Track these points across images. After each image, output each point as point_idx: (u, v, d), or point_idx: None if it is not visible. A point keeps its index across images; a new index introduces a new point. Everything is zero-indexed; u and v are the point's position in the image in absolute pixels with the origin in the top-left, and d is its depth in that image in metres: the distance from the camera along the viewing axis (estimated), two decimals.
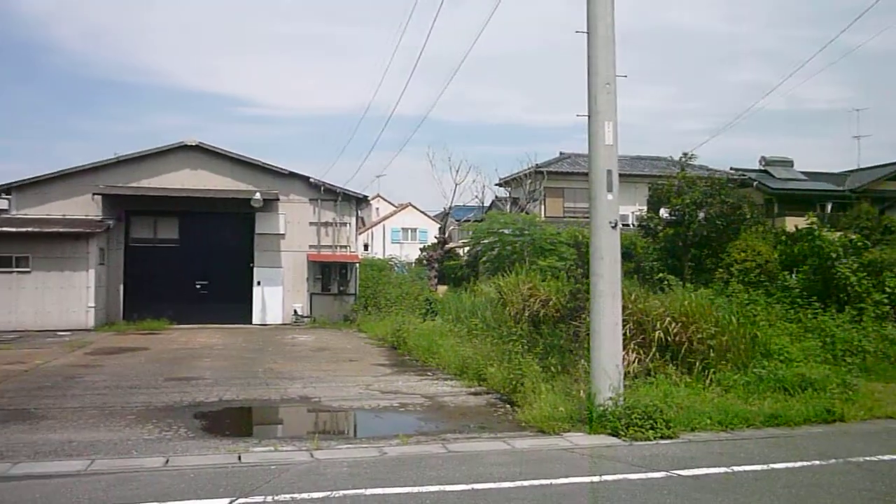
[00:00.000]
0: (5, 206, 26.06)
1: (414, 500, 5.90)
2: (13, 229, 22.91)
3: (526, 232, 24.51)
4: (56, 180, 25.00)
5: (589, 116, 8.98)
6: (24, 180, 24.97)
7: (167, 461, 7.21)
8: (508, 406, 10.27)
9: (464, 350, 13.71)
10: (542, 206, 35.70)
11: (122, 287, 25.24)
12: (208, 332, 22.55)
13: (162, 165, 25.89)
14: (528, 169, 33.77)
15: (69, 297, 22.99)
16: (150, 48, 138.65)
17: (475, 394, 11.48)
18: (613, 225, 8.82)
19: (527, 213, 30.47)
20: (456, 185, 29.71)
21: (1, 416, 9.56)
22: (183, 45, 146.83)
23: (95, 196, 24.79)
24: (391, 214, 65.43)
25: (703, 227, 20.74)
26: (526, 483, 6.43)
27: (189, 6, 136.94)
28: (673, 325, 10.83)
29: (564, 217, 35.14)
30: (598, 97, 8.88)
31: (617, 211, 8.92)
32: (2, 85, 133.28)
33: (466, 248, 33.70)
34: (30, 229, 23.01)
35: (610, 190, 8.82)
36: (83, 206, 24.84)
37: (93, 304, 23.17)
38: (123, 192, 25.08)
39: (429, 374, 13.67)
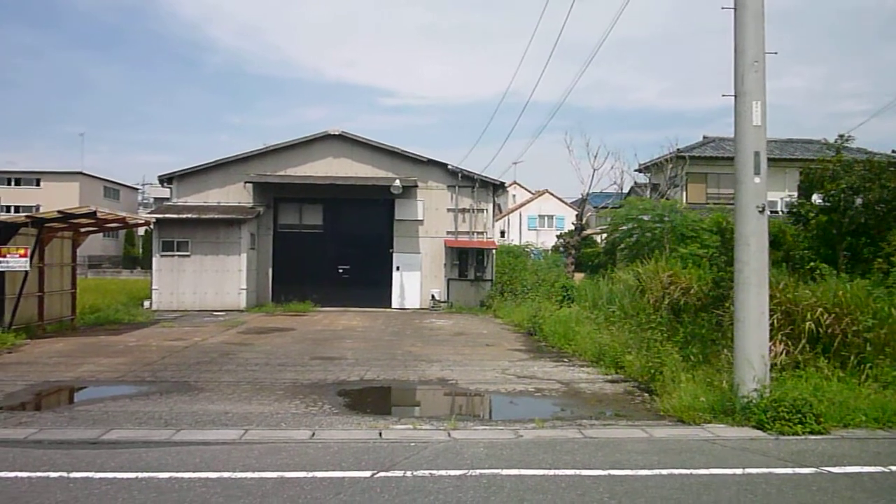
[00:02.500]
0: (168, 195, 28.01)
1: (550, 483, 5.92)
2: (175, 216, 24.59)
3: (666, 218, 23.78)
4: (212, 170, 26.59)
5: (735, 97, 8.63)
6: (184, 170, 26.70)
7: (313, 434, 7.58)
8: (646, 394, 10.08)
9: (601, 337, 13.55)
10: (684, 192, 34.54)
11: (270, 271, 26.59)
12: (350, 315, 23.37)
13: (307, 154, 26.99)
14: (670, 154, 32.73)
15: (224, 279, 24.45)
16: (297, 44, 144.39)
17: (612, 381, 11.33)
18: (761, 209, 8.45)
19: (667, 199, 29.56)
20: (594, 171, 29.24)
21: (165, 387, 10.35)
22: (326, 40, 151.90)
23: (247, 184, 26.21)
24: (528, 201, 65.22)
25: (860, 213, 19.42)
26: (665, 472, 6.31)
27: (332, 2, 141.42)
28: (825, 316, 10.23)
29: (707, 203, 33.81)
30: (746, 76, 8.51)
31: (764, 195, 8.54)
32: (165, 83, 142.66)
33: (604, 235, 33.12)
34: (189, 216, 24.62)
35: (757, 173, 8.45)
36: (236, 194, 26.33)
37: (245, 287, 24.54)
38: (272, 180, 26.34)
39: (565, 360, 13.60)
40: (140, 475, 6.00)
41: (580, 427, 8.09)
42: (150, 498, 5.42)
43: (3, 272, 15.61)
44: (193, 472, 6.11)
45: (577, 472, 6.24)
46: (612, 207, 31.03)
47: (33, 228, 16.40)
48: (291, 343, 15.84)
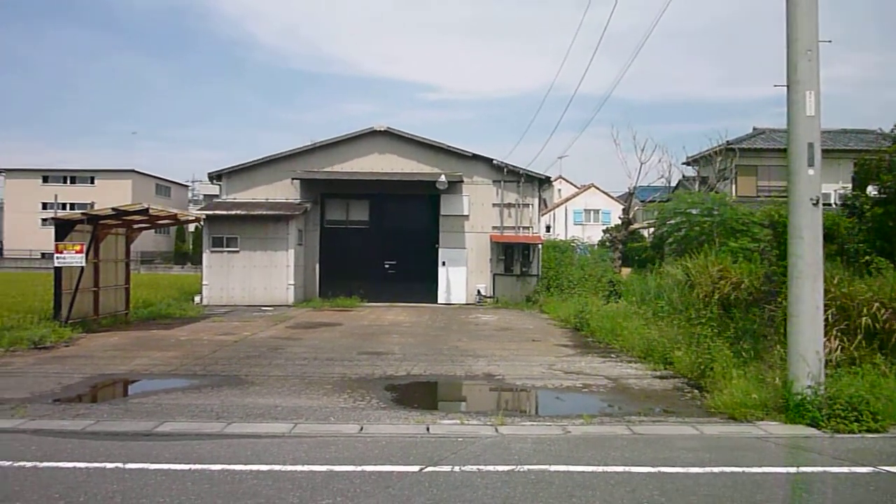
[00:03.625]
0: (217, 192, 28.46)
1: (599, 480, 5.88)
2: (224, 212, 24.99)
3: (715, 212, 23.36)
4: (260, 167, 26.95)
5: (788, 86, 8.44)
6: (233, 167, 27.10)
7: (361, 429, 7.63)
8: (696, 391, 9.93)
9: (649, 333, 13.41)
10: (734, 185, 33.95)
11: (317, 266, 26.88)
12: (396, 310, 23.50)
13: (353, 150, 27.18)
14: (719, 146, 32.18)
15: (272, 275, 24.78)
16: (340, 40, 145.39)
17: (661, 377, 11.19)
18: (815, 202, 8.25)
19: (716, 192, 29.03)
20: (641, 164, 28.87)
21: (216, 380, 10.52)
22: (369, 36, 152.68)
23: (294, 181, 26.50)
24: (573, 196, 64.78)
25: None
26: (716, 469, 6.22)
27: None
28: (882, 311, 9.96)
29: (758, 196, 33.17)
30: (799, 65, 8.31)
31: (818, 187, 8.33)
32: (211, 81, 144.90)
33: (651, 230, 32.75)
34: (238, 212, 25.00)
35: (811, 164, 8.25)
36: (283, 190, 26.65)
37: (292, 282, 24.84)
38: (319, 176, 26.61)
39: (612, 356, 13.48)
40: (193, 467, 6.11)
41: (629, 423, 8.01)
42: (203, 489, 5.52)
43: (60, 268, 16.03)
44: (245, 464, 6.20)
45: (627, 468, 6.18)
46: (660, 201, 30.64)
47: (88, 225, 16.81)
48: (339, 338, 15.99)
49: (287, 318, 20.22)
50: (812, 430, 7.63)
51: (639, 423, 8.08)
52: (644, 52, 57.47)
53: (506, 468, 6.13)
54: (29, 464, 6.18)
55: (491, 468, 6.12)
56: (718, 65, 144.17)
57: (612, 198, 61.48)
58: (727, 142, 32.80)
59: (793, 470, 6.30)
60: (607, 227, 46.09)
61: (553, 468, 6.15)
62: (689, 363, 10.93)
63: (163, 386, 10.34)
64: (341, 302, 25.30)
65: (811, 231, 8.27)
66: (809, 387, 8.04)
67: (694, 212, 24.57)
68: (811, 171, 8.27)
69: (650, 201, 32.84)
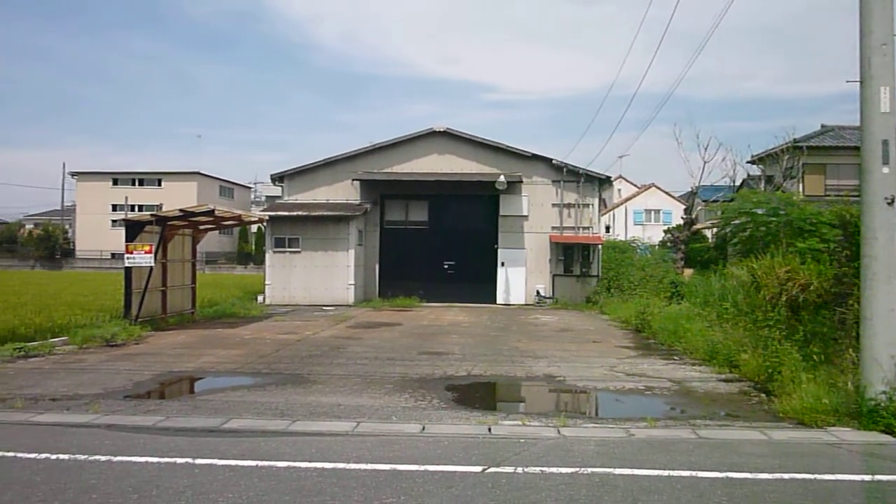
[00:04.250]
0: (278, 193, 28.94)
1: (665, 484, 5.79)
2: (286, 213, 25.41)
3: (781, 212, 22.72)
4: (320, 168, 27.33)
5: (861, 82, 8.18)
6: (294, 169, 27.54)
7: (423, 428, 7.67)
8: (763, 395, 9.70)
9: (713, 335, 13.16)
10: (801, 184, 33.05)
11: (377, 266, 27.12)
12: (455, 311, 23.55)
13: (412, 151, 27.35)
14: (785, 144, 31.37)
15: (332, 275, 25.10)
16: (400, 42, 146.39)
17: (726, 380, 10.97)
18: (889, 201, 7.98)
19: (783, 191, 28.32)
20: (704, 163, 28.36)
21: (280, 379, 10.71)
22: (429, 37, 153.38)
23: (354, 182, 26.80)
24: (634, 195, 63.94)
25: None
26: (786, 476, 6.06)
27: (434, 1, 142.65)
28: None
29: (826, 195, 32.19)
30: (873, 60, 8.05)
31: (893, 186, 8.06)
32: (273, 84, 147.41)
33: (714, 230, 32.10)
34: (300, 213, 25.39)
35: (886, 162, 7.99)
36: (344, 192, 26.97)
37: (353, 282, 25.12)
38: (378, 177, 26.85)
39: (675, 358, 13.27)
40: (260, 463, 6.23)
41: (694, 427, 7.87)
42: (269, 486, 5.62)
43: (130, 268, 16.51)
44: (309, 461, 6.29)
45: (693, 473, 6.07)
46: (724, 201, 29.99)
47: (157, 226, 17.28)
48: (399, 338, 16.10)
49: (347, 318, 20.45)
50: (887, 437, 7.38)
51: (704, 426, 7.93)
52: (707, 48, 56.28)
53: (569, 470, 6.08)
54: (104, 457, 6.38)
55: (554, 470, 6.09)
56: (784, 61, 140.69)
57: (673, 197, 60.50)
58: (794, 139, 31.93)
59: (867, 478, 6.10)
60: (668, 228, 45.34)
61: (617, 471, 6.08)
62: (755, 366, 10.68)
63: (229, 383, 10.57)
64: (400, 302, 25.48)
65: (885, 231, 8.00)
66: (884, 392, 7.78)
67: (759, 211, 23.95)
68: (885, 170, 8.00)
69: (713, 201, 32.20)
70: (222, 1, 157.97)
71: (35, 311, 16.57)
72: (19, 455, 6.47)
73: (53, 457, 6.40)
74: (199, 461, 6.29)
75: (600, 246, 27.42)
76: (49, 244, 67.53)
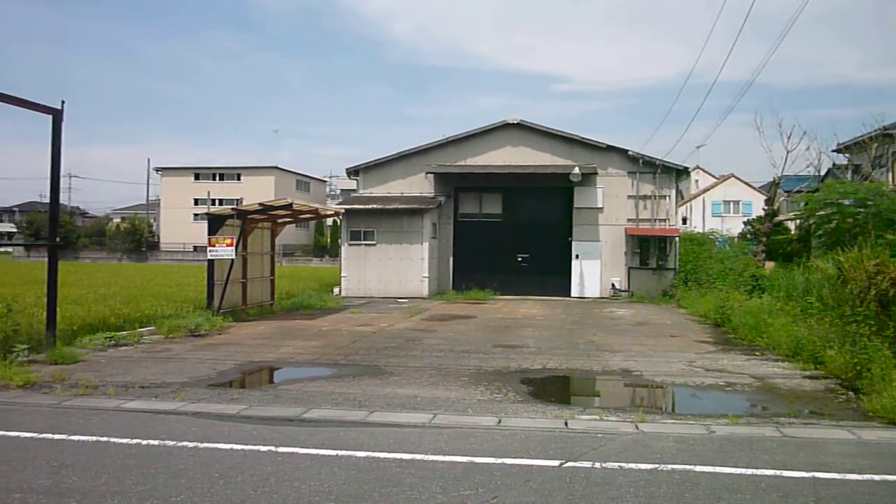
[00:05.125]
0: (353, 187, 29.33)
1: (748, 483, 5.66)
2: (361, 206, 25.75)
3: (870, 202, 21.92)
4: (394, 162, 27.58)
5: None
6: (369, 163, 27.87)
7: (499, 421, 7.68)
8: (851, 393, 9.36)
9: (797, 330, 12.77)
10: (890, 174, 31.67)
11: (451, 259, 27.23)
12: (529, 304, 23.48)
13: (485, 144, 27.33)
14: (874, 132, 30.09)
15: (406, 267, 25.33)
16: (472, 35, 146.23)
17: (811, 377, 10.63)
18: None
19: (871, 181, 27.24)
20: (787, 152, 27.46)
21: (357, 370, 10.88)
22: (501, 28, 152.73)
23: (428, 175, 26.93)
24: (712, 186, 62.42)
25: None
26: (877, 478, 5.84)
27: None
28: None
29: None
30: None
31: None
32: (347, 78, 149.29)
33: (797, 221, 31.09)
34: (374, 206, 25.70)
35: None
36: (417, 185, 27.15)
37: (427, 275, 25.30)
38: (452, 170, 26.93)
39: (756, 353, 12.93)
40: (339, 453, 6.35)
41: (778, 425, 7.65)
42: (350, 475, 5.72)
43: (212, 260, 17.01)
44: (388, 452, 6.38)
45: (778, 472, 5.92)
46: (808, 191, 29.03)
47: (238, 220, 17.74)
48: (473, 330, 16.14)
49: (422, 311, 20.61)
50: None
51: (788, 424, 7.71)
52: (789, 34, 54.43)
53: (648, 466, 6.01)
54: (191, 444, 6.62)
55: (633, 466, 6.02)
56: (871, 46, 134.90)
57: (753, 188, 58.85)
58: (883, 127, 30.62)
59: None
60: (748, 219, 44.22)
61: (698, 469, 5.98)
62: (842, 363, 10.32)
63: (308, 374, 10.79)
64: (474, 294, 25.53)
65: None
66: None
67: (846, 202, 23.14)
68: None
69: (797, 191, 31.19)
70: None
71: (123, 301, 17.25)
72: (112, 440, 6.75)
73: (144, 442, 6.66)
74: (281, 449, 6.45)
75: (677, 238, 26.89)
76: (135, 237, 70.13)
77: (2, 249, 79.02)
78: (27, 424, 7.36)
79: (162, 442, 6.68)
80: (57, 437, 6.89)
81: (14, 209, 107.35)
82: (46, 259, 12.51)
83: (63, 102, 11.90)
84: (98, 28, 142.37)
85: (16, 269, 36.07)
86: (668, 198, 26.49)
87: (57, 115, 11.89)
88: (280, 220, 20.70)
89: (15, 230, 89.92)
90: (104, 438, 6.80)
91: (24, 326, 11.92)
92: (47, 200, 13.07)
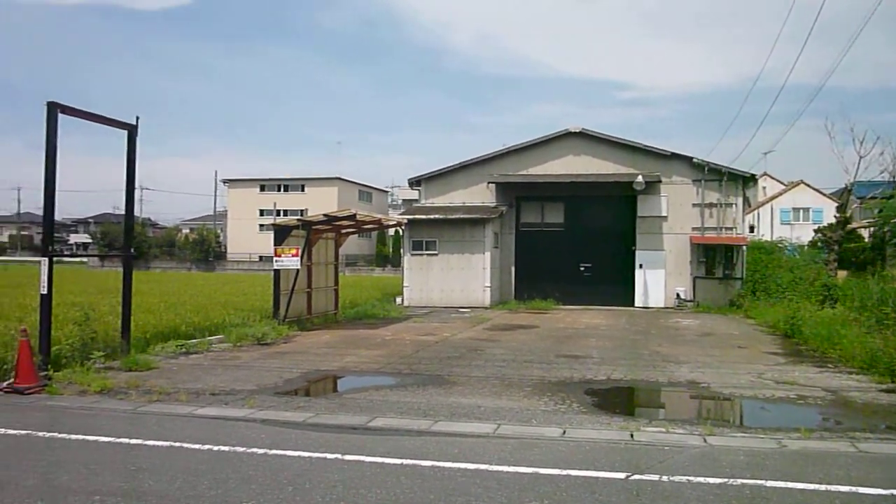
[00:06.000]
0: (414, 196, 29.53)
1: (822, 499, 5.51)
2: (424, 216, 25.90)
3: None
4: (456, 172, 27.69)
5: None
6: (431, 173, 28.03)
7: (564, 432, 7.64)
8: None
9: (872, 342, 12.37)
10: None
11: (513, 269, 27.19)
12: (592, 313, 23.26)
13: (547, 153, 27.23)
14: None
15: (469, 277, 25.37)
16: (532, 43, 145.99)
17: (887, 391, 10.27)
18: None
19: None
20: (860, 158, 26.57)
21: (421, 379, 10.95)
22: (560, 36, 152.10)
23: (489, 184, 26.96)
24: (780, 193, 60.87)
25: None
26: None
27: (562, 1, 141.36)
28: None
29: None
30: None
31: None
32: (407, 89, 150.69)
33: (871, 229, 30.11)
34: (437, 216, 25.82)
35: None
36: (479, 194, 27.20)
37: (489, 284, 25.28)
38: (514, 179, 26.90)
39: (829, 366, 12.56)
40: (405, 461, 6.41)
41: (853, 440, 7.42)
42: (415, 484, 5.78)
43: (278, 270, 17.34)
44: (453, 462, 6.41)
45: (854, 489, 5.74)
46: (882, 198, 28.12)
47: (303, 230, 18.06)
48: (536, 340, 16.08)
49: (484, 320, 20.62)
50: None
51: (864, 440, 7.46)
52: (861, 35, 52.85)
53: (717, 481, 5.90)
54: (260, 450, 6.76)
55: (701, 480, 5.92)
56: None
57: (823, 195, 57.18)
58: None
59: None
60: (819, 227, 43.00)
61: (769, 483, 5.84)
62: None
63: (372, 383, 10.91)
64: (536, 304, 25.42)
65: None
66: None
67: None
68: None
69: (870, 198, 30.22)
70: (355, 9, 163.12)
71: (193, 310, 17.70)
72: (185, 445, 6.96)
73: (216, 448, 6.84)
74: (347, 457, 6.54)
75: (745, 247, 26.31)
76: (203, 247, 71.86)
77: (77, 259, 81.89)
78: (105, 429, 7.63)
79: (232, 448, 6.85)
80: (133, 441, 7.13)
81: (89, 220, 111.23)
82: (121, 269, 12.95)
83: (137, 118, 12.34)
84: (166, 45, 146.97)
85: (91, 279, 37.35)
86: (734, 205, 25.95)
87: (132, 131, 12.32)
88: (344, 231, 20.98)
89: (90, 241, 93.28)
90: (178, 444, 7.01)
91: (101, 334, 12.36)
92: (120, 212, 13.55)
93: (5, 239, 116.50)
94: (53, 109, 10.49)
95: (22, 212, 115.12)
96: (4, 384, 9.68)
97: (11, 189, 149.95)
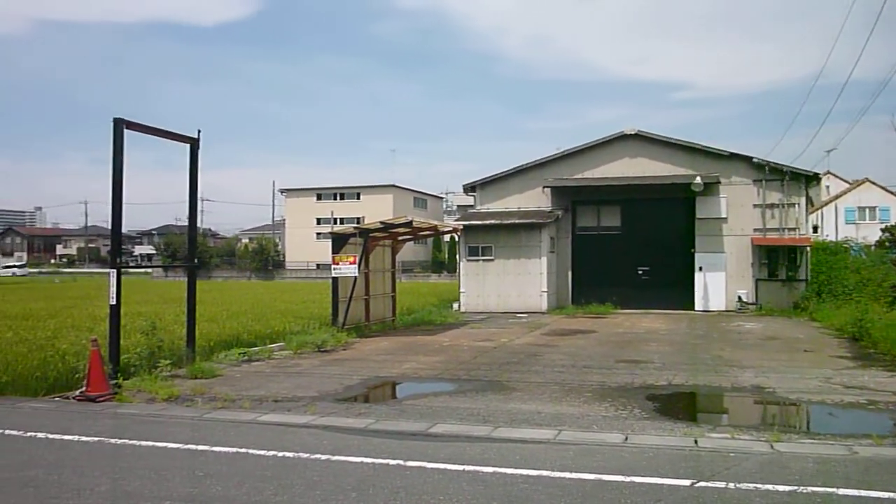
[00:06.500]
0: (469, 203, 29.59)
1: None
2: (479, 222, 25.93)
3: None
4: (511, 177, 27.65)
5: None
6: (485, 178, 28.05)
7: (626, 438, 7.55)
8: None
9: None
10: None
11: (569, 273, 26.99)
12: (651, 318, 22.96)
13: (602, 156, 27.00)
14: None
15: (525, 282, 25.29)
16: (585, 47, 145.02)
17: None
18: None
19: None
20: None
21: (479, 385, 10.96)
22: (614, 37, 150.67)
23: (545, 189, 26.85)
24: (844, 192, 59.14)
25: None
26: None
27: (621, 1, 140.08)
28: None
29: None
30: None
31: None
32: (460, 95, 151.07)
33: None
34: (492, 222, 25.81)
35: None
36: (534, 199, 27.10)
37: (545, 289, 25.17)
38: (569, 183, 26.75)
39: None
40: (466, 468, 6.42)
41: None
42: (478, 490, 5.78)
43: (336, 278, 17.56)
44: (514, 468, 6.39)
45: None
46: None
47: (360, 238, 18.25)
48: (594, 345, 15.94)
49: (541, 325, 20.52)
50: None
51: None
52: None
53: (786, 488, 5.76)
54: (323, 456, 6.85)
55: (769, 487, 5.79)
56: None
57: (891, 193, 55.39)
58: None
59: None
60: (887, 226, 41.71)
61: (841, 492, 5.68)
62: None
63: (431, 389, 10.96)
64: (594, 309, 25.20)
65: None
66: None
67: None
68: None
69: None
70: (409, 19, 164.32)
71: (254, 319, 18.05)
72: (250, 451, 7.09)
73: (280, 454, 6.95)
74: (409, 463, 6.58)
75: (808, 248, 25.63)
76: (262, 256, 73.16)
77: (142, 270, 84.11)
78: (173, 435, 7.83)
79: (296, 454, 6.95)
80: (200, 447, 7.29)
81: (153, 232, 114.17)
82: (185, 279, 13.26)
83: (199, 132, 12.65)
84: (223, 59, 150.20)
85: (155, 289, 38.37)
86: (797, 206, 25.32)
87: (194, 144, 12.62)
88: (400, 238, 21.13)
89: (154, 252, 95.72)
90: (243, 450, 7.14)
91: (167, 343, 12.67)
92: (182, 223, 13.96)
93: (73, 251, 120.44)
94: (120, 125, 10.81)
95: (89, 225, 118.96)
96: (77, 392, 10.02)
97: (79, 203, 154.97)
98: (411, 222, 18.52)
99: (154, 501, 5.58)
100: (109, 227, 12.00)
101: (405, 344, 16.43)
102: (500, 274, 25.72)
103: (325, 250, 18.56)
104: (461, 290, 26.40)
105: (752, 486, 5.84)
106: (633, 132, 26.73)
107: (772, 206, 25.34)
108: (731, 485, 5.86)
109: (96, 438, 7.75)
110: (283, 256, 76.58)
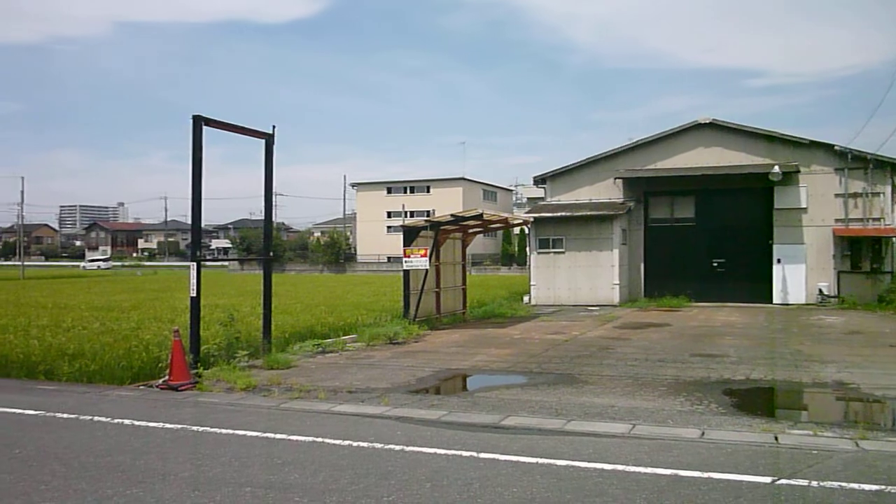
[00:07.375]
0: (539, 195, 29.43)
1: None
2: (550, 214, 25.77)
3: None
4: (581, 168, 27.38)
5: None
6: (556, 170, 27.84)
7: (703, 434, 7.41)
8: None
9: None
10: None
11: (642, 265, 26.59)
12: (727, 311, 22.46)
13: (675, 146, 26.47)
14: None
15: (596, 274, 25.03)
16: (655, 34, 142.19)
17: None
18: None
19: None
20: None
21: (551, 378, 10.90)
22: (686, 24, 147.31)
23: (616, 180, 26.50)
24: None
25: None
26: None
27: None
28: None
29: None
30: None
31: None
32: (530, 87, 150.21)
33: None
34: (563, 214, 25.64)
35: None
36: (605, 191, 26.79)
37: (617, 282, 24.86)
38: (641, 174, 26.31)
39: None
40: (539, 460, 6.40)
41: None
42: (551, 483, 5.76)
43: (408, 271, 17.70)
44: (588, 462, 6.35)
45: None
46: None
47: (431, 231, 18.34)
48: (668, 339, 15.68)
49: (613, 318, 20.28)
50: None
51: None
52: None
53: (873, 488, 5.56)
54: (397, 447, 6.93)
55: (855, 486, 5.60)
56: None
57: None
58: None
59: None
60: None
61: None
62: None
63: (502, 381, 10.97)
64: (667, 302, 24.75)
65: None
66: None
67: None
68: None
69: None
70: (479, 11, 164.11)
71: (327, 311, 18.36)
72: (326, 441, 7.22)
73: (355, 444, 7.07)
74: (482, 455, 6.60)
75: (894, 238, 24.62)
76: (334, 249, 74.25)
77: (219, 263, 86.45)
78: (251, 424, 8.04)
79: (371, 444, 7.05)
80: (277, 436, 7.47)
81: (229, 226, 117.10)
82: (260, 272, 13.56)
83: (274, 127, 12.90)
84: (294, 55, 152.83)
85: (231, 281, 39.34)
86: (882, 195, 24.33)
87: (269, 140, 12.88)
88: (471, 231, 21.16)
89: (230, 245, 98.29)
90: (319, 439, 7.28)
91: (244, 334, 13.00)
92: (257, 217, 14.27)
93: (154, 245, 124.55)
94: (198, 122, 11.12)
95: (168, 220, 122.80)
96: (160, 381, 10.38)
97: (159, 198, 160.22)
98: (482, 215, 18.51)
99: (235, 487, 5.74)
100: (189, 221, 12.36)
101: (476, 336, 16.46)
102: (571, 266, 25.51)
103: (395, 243, 18.76)
104: (531, 282, 26.29)
105: (836, 484, 5.66)
106: (707, 121, 26.13)
107: (855, 195, 24.44)
108: (814, 483, 5.70)
109: (179, 426, 8.01)
110: (355, 250, 77.62)
